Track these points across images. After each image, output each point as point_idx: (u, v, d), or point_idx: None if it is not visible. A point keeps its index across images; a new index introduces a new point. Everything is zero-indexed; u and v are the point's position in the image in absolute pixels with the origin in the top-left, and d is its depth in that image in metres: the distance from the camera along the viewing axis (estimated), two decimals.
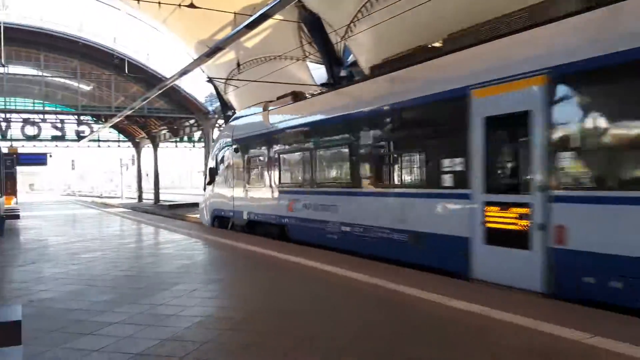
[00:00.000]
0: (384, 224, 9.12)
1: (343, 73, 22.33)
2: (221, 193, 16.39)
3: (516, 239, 6.63)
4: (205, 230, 14.99)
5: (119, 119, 36.24)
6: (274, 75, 23.82)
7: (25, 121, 46.09)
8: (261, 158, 13.95)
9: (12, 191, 26.27)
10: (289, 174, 12.81)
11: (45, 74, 47.01)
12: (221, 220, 16.52)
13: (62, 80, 50.77)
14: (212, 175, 17.29)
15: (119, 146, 59.54)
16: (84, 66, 46.93)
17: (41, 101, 48.74)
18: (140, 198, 56.07)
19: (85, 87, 52.09)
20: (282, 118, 13.10)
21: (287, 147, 12.84)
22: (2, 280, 8.08)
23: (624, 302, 5.38)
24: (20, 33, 41.88)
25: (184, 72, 18.15)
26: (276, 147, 13.19)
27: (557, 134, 6.23)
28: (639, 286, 5.26)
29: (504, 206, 6.87)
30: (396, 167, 9.31)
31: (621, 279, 5.43)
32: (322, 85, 12.82)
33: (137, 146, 57.97)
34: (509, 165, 7.21)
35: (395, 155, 9.32)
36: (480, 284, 7.06)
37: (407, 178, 9.03)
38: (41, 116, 46.99)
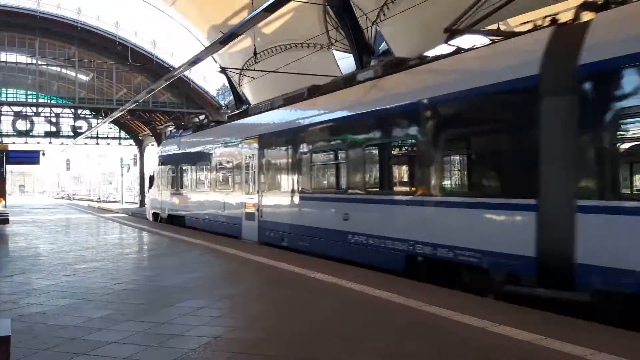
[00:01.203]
0: (217, 213, 18.01)
1: (374, 63, 22.31)
2: (155, 196, 25.78)
3: (252, 217, 15.31)
4: (212, 240, 15.13)
5: (120, 114, 36.69)
6: (296, 65, 23.90)
7: (17, 115, 46.84)
8: (173, 171, 23.12)
9: (0, 193, 26.68)
10: (184, 183, 21.82)
11: (39, 62, 47.80)
12: (156, 216, 25.40)
13: (58, 69, 51.62)
14: (151, 182, 26.96)
15: (119, 144, 60.26)
16: (82, 54, 47.55)
17: (34, 92, 49.47)
18: (142, 203, 56.65)
19: (84, 78, 52.82)
20: (185, 143, 22.28)
21: (183, 164, 21.99)
22: None
23: (278, 243, 13.68)
24: (13, 16, 42.70)
25: (194, 62, 18.31)
26: (179, 164, 22.35)
27: (260, 165, 15.00)
28: (285, 237, 13.42)
29: (250, 201, 15.56)
30: (218, 179, 18.38)
31: (280, 234, 13.68)
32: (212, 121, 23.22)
33: (140, 144, 58.64)
34: (250, 179, 15.64)
35: (218, 172, 18.31)
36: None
37: (220, 186, 18.06)
38: (34, 109, 47.62)
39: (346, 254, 10.92)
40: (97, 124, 47.05)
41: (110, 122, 46.58)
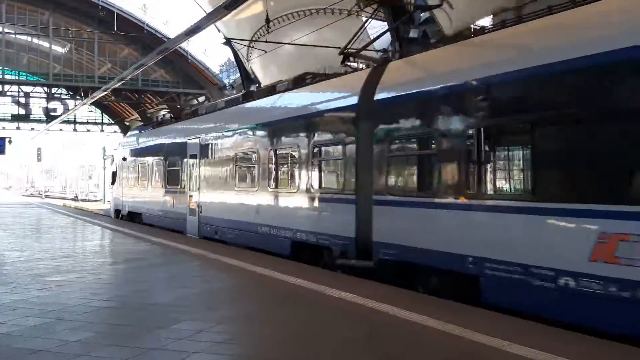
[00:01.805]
0: (168, 209, 22.56)
1: (413, 34, 22.25)
2: (117, 192, 30.85)
3: (194, 213, 19.85)
4: (214, 249, 15.21)
5: (103, 94, 36.97)
6: (317, 36, 23.88)
7: None
8: (133, 167, 27.95)
9: None
10: (142, 180, 26.33)
11: (6, 30, 48.31)
12: (118, 213, 30.06)
13: (29, 38, 52.16)
14: (113, 178, 31.83)
15: (102, 130, 60.85)
16: (58, 20, 47.97)
17: None
18: None
19: (60, 49, 53.33)
20: (144, 140, 27.03)
21: (141, 161, 26.84)
22: None
23: (213, 236, 18.37)
24: None
25: (192, 31, 18.42)
26: (138, 161, 27.23)
27: (201, 164, 19.69)
28: (218, 230, 18.18)
29: (192, 197, 20.07)
30: (169, 176, 22.64)
31: (214, 227, 18.41)
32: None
33: (127, 131, 59.05)
34: (193, 178, 20.08)
35: (169, 170, 22.65)
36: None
37: (171, 183, 22.27)
38: None
39: (259, 244, 15.45)
40: (75, 105, 47.17)
41: (91, 103, 46.85)
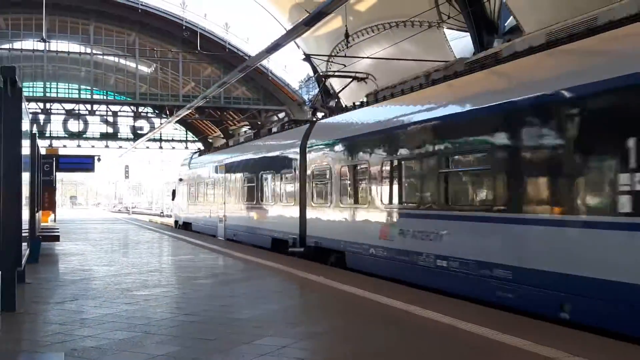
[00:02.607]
0: (208, 219, 29.90)
1: (498, 43, 21.88)
2: (176, 207, 39.88)
3: (222, 220, 27.42)
4: (294, 265, 15.27)
5: (187, 112, 37.78)
6: (396, 49, 23.76)
7: (69, 113, 48.94)
8: (185, 186, 35.69)
9: (49, 205, 28.04)
10: (191, 196, 34.08)
11: (94, 52, 49.86)
12: (176, 224, 38.42)
13: (116, 59, 53.71)
14: (173, 194, 40.39)
15: (186, 148, 61.97)
16: (143, 41, 49.30)
17: (89, 87, 51.56)
18: None
19: (145, 69, 54.82)
20: (193, 164, 34.33)
21: (190, 181, 34.56)
22: (36, 321, 8.62)
23: (232, 238, 25.45)
24: None
25: (273, 48, 18.65)
26: (189, 180, 34.78)
27: (226, 184, 27.32)
28: (235, 233, 25.39)
29: (221, 208, 27.62)
30: (207, 193, 30.88)
31: (233, 231, 25.56)
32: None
33: (210, 148, 60.16)
34: (220, 194, 28.00)
35: (207, 188, 30.85)
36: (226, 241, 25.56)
37: (208, 198, 30.37)
38: (88, 107, 49.59)
39: (256, 242, 21.73)
40: (161, 124, 48.20)
41: (176, 121, 47.86)
